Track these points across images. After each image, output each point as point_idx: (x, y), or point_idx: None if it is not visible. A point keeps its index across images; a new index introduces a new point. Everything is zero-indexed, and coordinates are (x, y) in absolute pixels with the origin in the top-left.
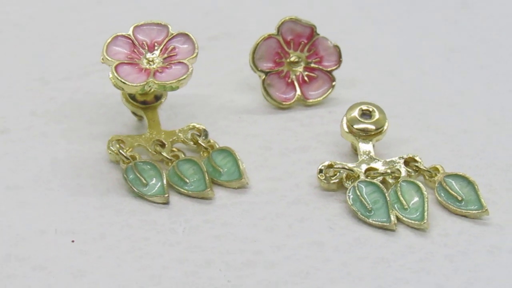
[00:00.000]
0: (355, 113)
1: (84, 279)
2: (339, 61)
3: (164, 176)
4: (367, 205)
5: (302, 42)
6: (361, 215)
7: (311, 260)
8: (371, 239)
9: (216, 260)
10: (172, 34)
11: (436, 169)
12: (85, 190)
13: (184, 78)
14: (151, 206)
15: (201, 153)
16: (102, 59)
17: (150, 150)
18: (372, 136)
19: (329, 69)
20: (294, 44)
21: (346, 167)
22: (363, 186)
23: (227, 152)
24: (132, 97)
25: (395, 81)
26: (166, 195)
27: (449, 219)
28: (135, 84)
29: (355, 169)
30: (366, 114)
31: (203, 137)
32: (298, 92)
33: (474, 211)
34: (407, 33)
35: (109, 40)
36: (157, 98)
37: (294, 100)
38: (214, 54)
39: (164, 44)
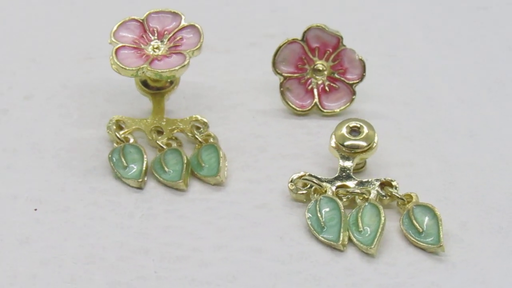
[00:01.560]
0: (343, 130)
1: (27, 246)
2: (362, 75)
3: (145, 162)
4: (321, 221)
5: (328, 51)
6: (313, 230)
7: (244, 266)
8: (315, 255)
9: (154, 250)
10: (183, 25)
11: (410, 197)
12: (74, 165)
13: (177, 69)
14: (126, 189)
15: (196, 145)
16: (110, 41)
17: (147, 135)
18: (357, 153)
19: (351, 82)
20: (319, 52)
21: (315, 180)
22: (323, 202)
23: (213, 148)
24: (143, 81)
25: (425, 103)
26: (140, 180)
27: (405, 250)
28: (128, 68)
29: (324, 184)
30: (355, 131)
31: (201, 130)
32: (316, 100)
33: (429, 245)
34: (459, 57)
35: (120, 23)
36: (173, 85)
37: (310, 107)
38: (261, 51)
39: (173, 34)
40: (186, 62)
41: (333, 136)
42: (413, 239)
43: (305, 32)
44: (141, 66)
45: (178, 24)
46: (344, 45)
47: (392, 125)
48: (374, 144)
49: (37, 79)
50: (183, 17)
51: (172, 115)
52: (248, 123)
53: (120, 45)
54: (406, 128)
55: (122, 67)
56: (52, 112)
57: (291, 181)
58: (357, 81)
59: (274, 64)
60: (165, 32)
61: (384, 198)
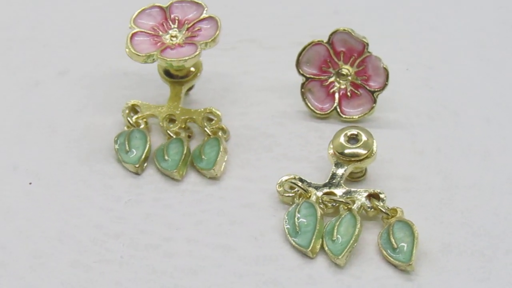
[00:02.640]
0: (341, 138)
1: (8, 216)
2: (385, 84)
3: (147, 148)
4: (296, 226)
5: (353, 57)
6: (287, 234)
7: (208, 262)
8: (283, 259)
9: (127, 235)
10: (204, 16)
11: (395, 212)
12: (82, 145)
13: (185, 59)
14: (124, 173)
15: (205, 137)
16: (130, 25)
17: (160, 122)
18: (352, 162)
19: (373, 90)
20: (344, 56)
21: (300, 184)
22: (303, 207)
23: (216, 141)
24: (166, 69)
25: (448, 119)
26: (137, 166)
27: (377, 264)
28: (139, 54)
29: (310, 189)
30: (353, 139)
31: (213, 123)
32: (336, 105)
33: (400, 262)
34: (497, 76)
35: (141, 9)
36: (194, 75)
37: (329, 111)
38: None
39: (193, 24)
40: (196, 53)
41: (331, 144)
42: (386, 254)
43: (331, 35)
44: (152, 53)
45: (199, 15)
46: (370, 52)
47: (407, 137)
48: (373, 153)
49: (77, 56)
50: (205, 8)
51: (195, 105)
52: (264, 121)
53: (136, 30)
54: (420, 142)
55: (134, 52)
56: (79, 91)
57: (279, 183)
58: (379, 89)
59: (298, 64)
60: (186, 22)
61: (370, 210)
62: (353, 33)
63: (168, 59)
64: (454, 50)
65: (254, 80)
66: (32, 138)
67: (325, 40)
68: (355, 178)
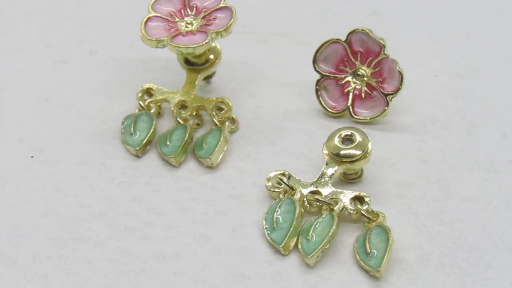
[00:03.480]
0: (336, 139)
1: (1, 188)
2: (398, 87)
3: (150, 132)
4: (274, 221)
5: (370, 58)
6: (264, 229)
7: (180, 248)
8: (255, 253)
9: (109, 216)
10: (221, 5)
11: (376, 216)
12: (92, 125)
13: (193, 47)
14: (125, 155)
15: (213, 126)
16: (148, 10)
17: (172, 107)
18: (343, 163)
19: (387, 92)
20: (361, 57)
21: (285, 180)
22: (284, 204)
23: (219, 131)
24: (185, 57)
25: (463, 130)
26: (138, 148)
27: (349, 268)
28: (150, 38)
29: (296, 186)
30: (348, 140)
31: (223, 113)
32: (349, 104)
33: (370, 268)
34: None
35: None
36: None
37: (342, 110)
38: None
39: (209, 12)
40: (204, 42)
41: (325, 146)
42: (359, 258)
43: (349, 34)
44: (162, 38)
45: (217, 4)
46: (386, 54)
47: (415, 144)
48: (367, 154)
49: (109, 38)
50: None
51: (214, 94)
52: (277, 116)
53: (152, 15)
54: (427, 150)
55: (146, 36)
56: (103, 72)
57: (268, 178)
58: (393, 92)
59: (314, 60)
60: (203, 10)
61: (352, 212)
62: (370, 34)
63: (178, 46)
64: (488, 61)
65: (279, 74)
66: (46, 113)
67: (343, 38)
68: (349, 179)
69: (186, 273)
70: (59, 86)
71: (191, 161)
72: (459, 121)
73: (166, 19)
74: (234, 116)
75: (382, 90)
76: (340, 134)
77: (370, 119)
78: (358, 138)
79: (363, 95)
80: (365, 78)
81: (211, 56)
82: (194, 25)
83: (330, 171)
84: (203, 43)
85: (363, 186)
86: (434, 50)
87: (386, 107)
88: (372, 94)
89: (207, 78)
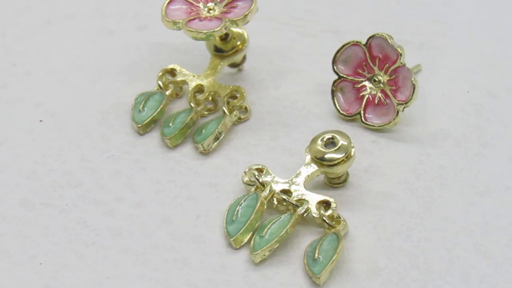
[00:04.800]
0: (318, 143)
1: (1, 148)
2: (409, 98)
3: (156, 112)
4: (234, 214)
5: (387, 64)
6: (224, 219)
7: (137, 228)
8: (206, 242)
9: (85, 187)
10: None
11: (338, 223)
12: (109, 97)
13: (204, 32)
14: (128, 131)
15: (223, 113)
16: None
17: (189, 89)
18: (323, 166)
19: (398, 102)
20: (380, 62)
21: (257, 176)
22: (249, 198)
23: (219, 120)
24: (215, 46)
25: (473, 150)
26: (139, 125)
27: (296, 271)
28: (168, 20)
29: (267, 183)
30: (330, 143)
31: (235, 102)
32: (361, 109)
33: (311, 272)
34: None
35: None
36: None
37: (353, 114)
38: None
39: (233, 0)
40: (216, 29)
41: (308, 149)
42: (305, 262)
43: (369, 38)
44: (178, 21)
45: None
46: (402, 63)
47: (416, 157)
48: (348, 159)
49: (159, 16)
50: None
51: (241, 82)
52: (291, 112)
53: None
54: (427, 164)
55: (164, 18)
56: (144, 48)
57: (245, 171)
58: (403, 102)
59: (334, 61)
60: None
61: (316, 216)
62: (389, 40)
63: (190, 30)
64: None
65: (313, 71)
66: (72, 81)
67: (363, 42)
68: (332, 184)
69: (133, 252)
70: (96, 56)
71: (189, 145)
72: (473, 140)
73: (190, 2)
74: (247, 106)
75: (394, 99)
76: (323, 137)
77: (379, 126)
78: (340, 142)
79: (376, 101)
80: (381, 85)
81: (239, 43)
82: (216, 11)
83: (306, 172)
84: (213, 30)
85: (343, 192)
86: (478, 66)
87: (396, 117)
88: (385, 102)
89: (236, 66)
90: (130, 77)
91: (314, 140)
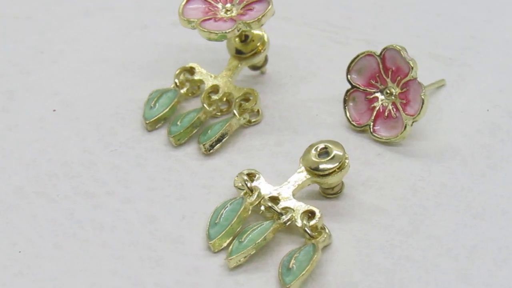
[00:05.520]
0: (311, 155)
1: (9, 133)
2: (418, 112)
3: (167, 110)
4: (218, 217)
5: (399, 77)
6: (208, 222)
7: (122, 224)
8: (186, 244)
9: (79, 180)
10: None
11: (319, 234)
12: (127, 91)
13: (217, 33)
14: (138, 126)
15: (232, 115)
16: None
17: (206, 89)
18: (315, 175)
19: (407, 115)
20: (392, 74)
21: (246, 181)
22: (235, 203)
23: (225, 122)
24: (236, 48)
25: (479, 171)
26: (147, 122)
27: (269, 279)
28: (183, 18)
29: (256, 188)
30: (324, 153)
31: (247, 104)
32: (370, 121)
33: (283, 282)
34: None
35: None
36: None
37: (363, 125)
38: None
39: (250, 3)
40: (227, 31)
41: (301, 160)
42: (280, 271)
43: (383, 50)
44: (193, 20)
45: None
46: (414, 76)
47: (417, 173)
48: (340, 170)
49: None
50: None
51: (260, 85)
52: (303, 119)
53: None
54: (427, 181)
55: (181, 16)
56: (173, 45)
57: (237, 175)
58: (411, 116)
59: (348, 70)
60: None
61: (299, 226)
62: (402, 52)
63: (203, 30)
64: None
65: (336, 79)
66: (95, 73)
67: (378, 53)
68: (326, 194)
69: (111, 247)
70: (124, 50)
71: (194, 145)
72: (481, 161)
73: (209, 2)
74: (259, 109)
75: (403, 112)
76: (317, 147)
77: (386, 139)
78: (334, 152)
79: (386, 113)
80: (393, 97)
81: (259, 45)
82: (234, 12)
83: (295, 179)
84: (225, 32)
85: (336, 203)
86: (505, 86)
87: (403, 131)
88: (395, 115)
89: (258, 68)
90: (152, 73)
91: (307, 150)
